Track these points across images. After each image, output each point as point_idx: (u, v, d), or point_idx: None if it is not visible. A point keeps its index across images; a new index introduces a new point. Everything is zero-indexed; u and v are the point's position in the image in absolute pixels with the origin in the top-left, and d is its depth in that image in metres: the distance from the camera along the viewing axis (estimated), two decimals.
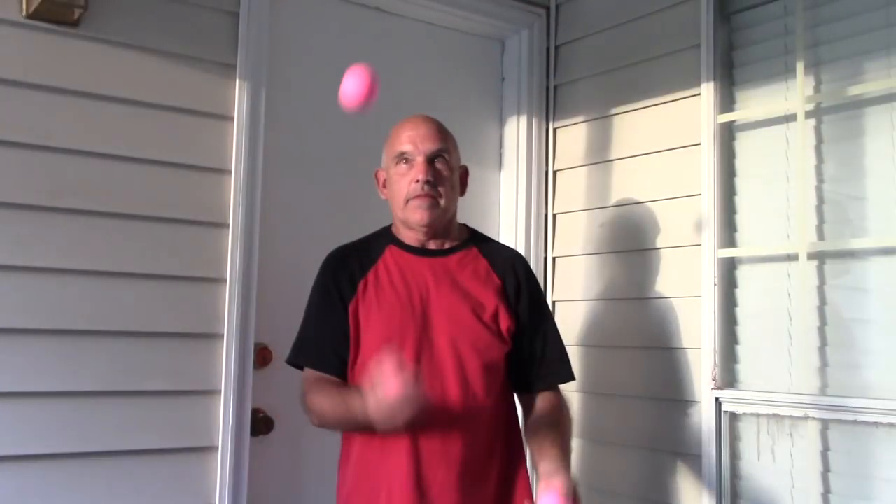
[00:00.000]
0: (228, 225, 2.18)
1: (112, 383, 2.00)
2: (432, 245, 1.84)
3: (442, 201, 1.79)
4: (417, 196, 1.77)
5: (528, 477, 1.82)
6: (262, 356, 2.26)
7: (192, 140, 2.15)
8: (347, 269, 1.80)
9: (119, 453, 2.00)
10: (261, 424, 2.24)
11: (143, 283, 2.06)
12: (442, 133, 1.84)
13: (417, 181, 1.77)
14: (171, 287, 2.10)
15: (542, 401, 1.83)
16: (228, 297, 2.16)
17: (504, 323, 1.79)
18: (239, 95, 2.21)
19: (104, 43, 2.04)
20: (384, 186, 1.88)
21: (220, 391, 2.13)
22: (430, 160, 1.79)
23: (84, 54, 2.02)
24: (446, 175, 1.81)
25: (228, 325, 2.15)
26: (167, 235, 2.10)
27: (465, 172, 1.90)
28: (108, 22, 2.04)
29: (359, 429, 1.69)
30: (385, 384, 1.50)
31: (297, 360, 1.83)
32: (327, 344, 1.78)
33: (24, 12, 1.93)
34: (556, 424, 1.77)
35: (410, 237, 1.83)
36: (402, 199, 1.79)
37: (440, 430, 1.70)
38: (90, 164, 2.01)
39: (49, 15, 1.93)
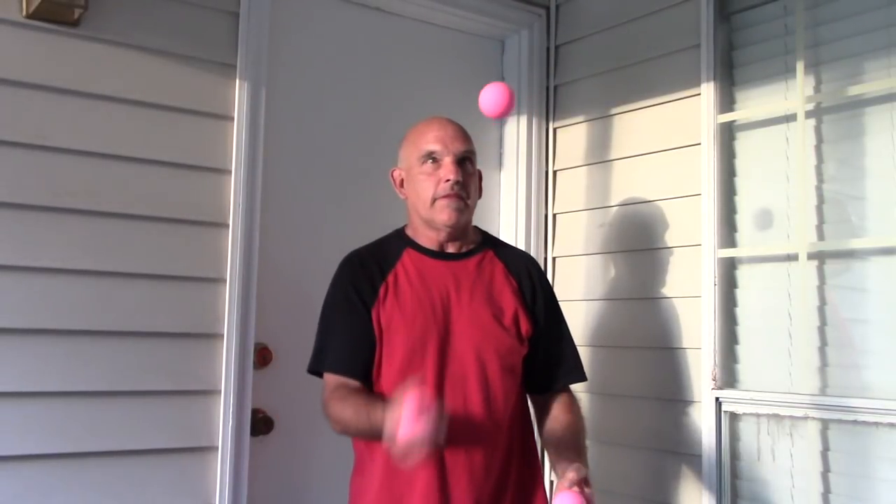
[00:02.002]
0: (228, 225, 2.18)
1: (112, 383, 2.00)
2: (450, 248, 1.83)
3: (469, 202, 1.80)
4: (447, 196, 1.76)
5: (542, 474, 1.85)
6: (262, 356, 2.26)
7: (192, 140, 2.15)
8: (367, 273, 1.78)
9: (119, 453, 2.00)
10: (261, 424, 2.24)
11: (143, 283, 2.06)
12: (467, 135, 1.84)
13: (447, 181, 1.76)
14: (171, 287, 2.10)
15: (556, 402, 1.84)
16: (228, 297, 2.16)
17: (524, 326, 1.80)
18: (239, 95, 2.21)
19: (104, 43, 2.04)
20: (402, 186, 1.86)
21: (220, 391, 2.13)
22: (459, 161, 1.78)
23: (84, 54, 2.02)
24: (472, 177, 1.82)
25: (228, 325, 2.15)
26: (167, 235, 2.10)
27: (480, 176, 1.90)
28: (108, 22, 2.04)
29: (380, 440, 1.58)
30: (405, 426, 1.43)
31: (319, 367, 1.77)
32: (351, 349, 1.74)
33: (24, 12, 1.92)
34: (572, 427, 1.79)
35: (428, 239, 1.82)
36: (429, 198, 1.77)
37: (463, 434, 1.69)
38: (90, 164, 2.01)
39: (49, 15, 1.93)
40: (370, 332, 1.73)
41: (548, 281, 1.96)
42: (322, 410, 1.75)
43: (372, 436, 1.60)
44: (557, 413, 1.82)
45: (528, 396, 1.87)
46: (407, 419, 1.43)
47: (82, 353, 1.97)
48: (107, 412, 1.99)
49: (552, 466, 1.76)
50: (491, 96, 1.69)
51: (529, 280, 1.86)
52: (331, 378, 1.75)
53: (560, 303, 1.95)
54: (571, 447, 1.73)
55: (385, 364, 1.73)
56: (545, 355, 1.84)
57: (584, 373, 1.90)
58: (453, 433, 1.59)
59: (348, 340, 1.75)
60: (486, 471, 1.71)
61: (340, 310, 1.77)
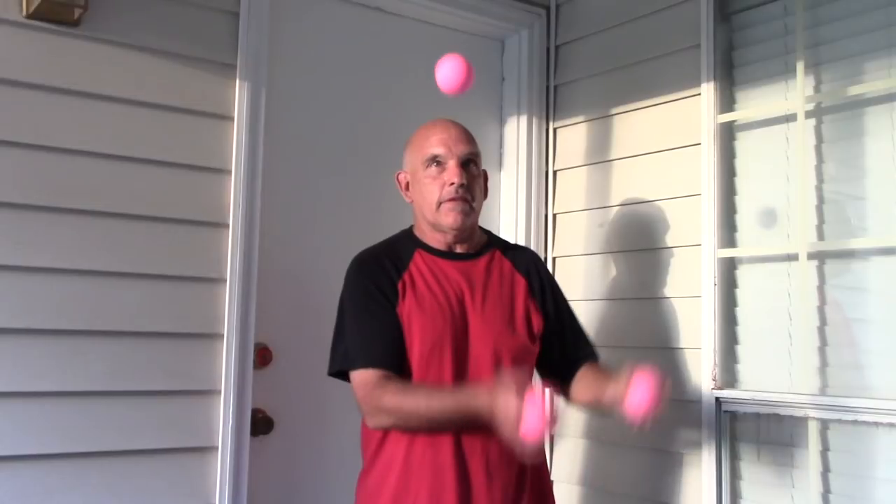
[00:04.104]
0: (228, 225, 2.18)
1: (112, 383, 2.00)
2: (459, 249, 1.84)
3: (475, 205, 1.81)
4: (452, 199, 1.77)
5: (548, 471, 1.91)
6: (262, 356, 2.26)
7: (192, 140, 2.15)
8: (385, 271, 1.78)
9: (119, 453, 2.00)
10: (261, 424, 2.24)
11: (143, 283, 2.06)
12: (471, 136, 1.84)
13: (452, 184, 1.76)
14: (171, 287, 2.09)
15: (581, 369, 1.87)
16: (228, 297, 2.16)
17: (536, 322, 1.82)
18: (239, 95, 2.21)
19: (104, 43, 2.04)
20: (407, 189, 1.87)
21: (220, 391, 2.13)
22: (464, 164, 1.79)
23: (84, 54, 2.01)
24: (477, 179, 1.82)
25: (228, 325, 2.15)
26: (167, 235, 2.10)
27: (486, 176, 1.90)
28: (108, 22, 2.04)
29: (460, 424, 1.65)
30: (530, 424, 1.47)
31: (352, 365, 1.73)
32: (388, 343, 1.72)
33: (24, 12, 1.92)
34: (603, 369, 1.86)
35: (437, 240, 1.83)
36: (434, 202, 1.78)
37: (482, 434, 1.69)
38: (90, 164, 2.01)
39: (49, 15, 1.93)
40: (400, 328, 1.73)
41: (550, 273, 2.02)
42: (367, 406, 1.70)
43: (454, 417, 1.63)
44: (584, 372, 1.85)
45: (551, 386, 1.89)
46: (532, 418, 1.48)
47: (82, 353, 1.97)
48: (107, 412, 1.99)
49: (595, 401, 1.77)
50: (448, 73, 1.69)
51: (538, 276, 1.89)
52: (370, 373, 1.70)
53: None
54: (612, 373, 1.76)
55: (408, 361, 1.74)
56: (562, 344, 1.87)
57: (597, 352, 1.94)
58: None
59: (383, 334, 1.73)
60: (502, 463, 1.72)
61: (366, 307, 1.76)
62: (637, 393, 1.58)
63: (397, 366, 1.71)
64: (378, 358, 1.72)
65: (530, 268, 1.89)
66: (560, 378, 1.88)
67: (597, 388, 1.74)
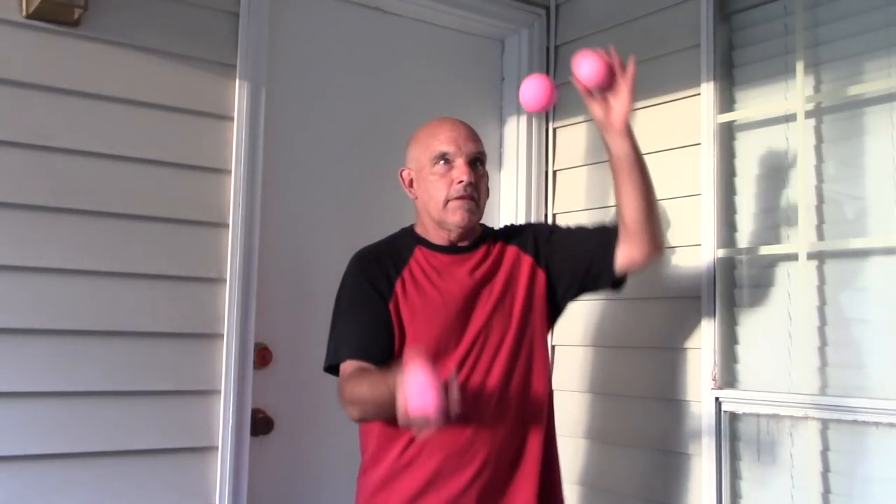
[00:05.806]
0: (228, 225, 2.18)
1: (112, 383, 2.00)
2: (460, 244, 1.85)
3: (481, 204, 1.81)
4: (460, 197, 1.77)
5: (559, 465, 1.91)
6: (262, 356, 2.26)
7: (192, 140, 2.15)
8: (382, 268, 1.78)
9: (119, 453, 2.01)
10: (261, 424, 2.24)
11: (143, 283, 2.06)
12: (478, 136, 1.84)
13: (460, 182, 1.76)
14: (171, 287, 2.10)
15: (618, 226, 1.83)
16: (228, 297, 2.16)
17: (539, 286, 1.82)
18: (239, 95, 2.21)
19: (104, 43, 2.04)
20: (411, 186, 1.86)
21: (220, 391, 2.13)
22: (471, 162, 1.79)
23: (84, 54, 2.02)
24: (483, 178, 1.83)
25: (228, 325, 2.15)
26: (167, 235, 2.10)
27: (487, 177, 1.90)
28: (108, 22, 2.04)
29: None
30: (414, 400, 1.37)
31: (337, 359, 1.73)
32: (369, 335, 1.72)
33: (24, 12, 1.93)
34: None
35: (440, 237, 1.83)
36: (441, 199, 1.78)
37: (489, 421, 1.72)
38: (90, 164, 2.01)
39: (49, 15, 1.94)
40: (389, 322, 1.73)
41: (532, 224, 2.06)
42: (339, 398, 1.69)
43: (388, 408, 1.51)
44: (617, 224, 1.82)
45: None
46: (416, 392, 1.37)
47: (82, 353, 1.97)
48: (107, 412, 1.99)
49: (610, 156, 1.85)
50: (531, 90, 1.70)
51: (524, 236, 1.89)
52: (348, 365, 1.71)
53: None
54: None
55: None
56: (594, 246, 1.84)
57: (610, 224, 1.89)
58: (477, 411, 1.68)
59: (365, 328, 1.73)
60: (508, 460, 1.73)
61: (355, 302, 1.77)
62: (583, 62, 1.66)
63: (380, 358, 1.69)
64: (358, 350, 1.71)
65: (522, 233, 1.90)
66: (611, 271, 1.84)
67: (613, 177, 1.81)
